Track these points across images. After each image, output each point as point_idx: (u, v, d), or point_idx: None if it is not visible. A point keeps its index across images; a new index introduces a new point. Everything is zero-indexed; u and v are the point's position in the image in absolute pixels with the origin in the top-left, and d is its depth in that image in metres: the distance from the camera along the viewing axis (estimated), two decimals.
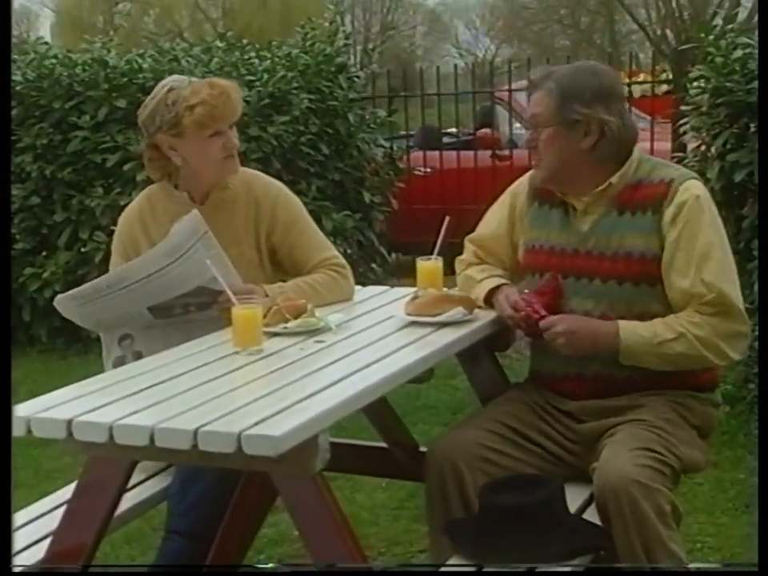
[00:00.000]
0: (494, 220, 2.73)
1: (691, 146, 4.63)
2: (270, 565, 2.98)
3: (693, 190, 2.44)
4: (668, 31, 24.32)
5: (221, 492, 2.52)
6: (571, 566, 2.15)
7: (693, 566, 2.45)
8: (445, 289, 2.70)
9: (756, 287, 3.96)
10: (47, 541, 2.25)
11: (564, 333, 2.40)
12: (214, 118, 2.62)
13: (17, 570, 2.25)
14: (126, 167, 5.78)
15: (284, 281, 2.73)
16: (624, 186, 2.49)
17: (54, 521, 2.29)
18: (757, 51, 4.13)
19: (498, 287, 2.60)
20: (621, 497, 2.17)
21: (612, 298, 2.47)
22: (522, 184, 2.70)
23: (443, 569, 2.20)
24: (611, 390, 2.49)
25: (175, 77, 2.78)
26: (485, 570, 2.15)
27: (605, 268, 2.47)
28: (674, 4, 24.11)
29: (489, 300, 2.60)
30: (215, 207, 2.73)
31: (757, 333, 3.65)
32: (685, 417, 2.46)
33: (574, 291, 2.51)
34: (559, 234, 2.57)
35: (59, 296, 2.58)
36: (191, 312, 2.59)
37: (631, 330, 2.39)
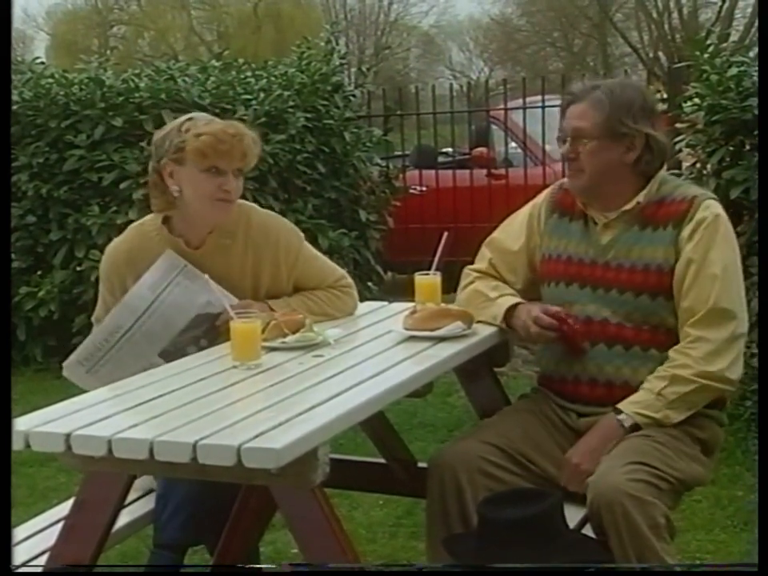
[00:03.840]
0: (513, 227, 2.73)
1: (687, 163, 4.65)
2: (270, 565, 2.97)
3: (713, 208, 2.50)
4: (660, 53, 24.50)
5: (199, 498, 2.53)
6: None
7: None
8: (443, 304, 2.69)
9: (753, 304, 3.97)
10: (44, 557, 2.24)
11: (578, 464, 2.41)
12: (217, 151, 2.54)
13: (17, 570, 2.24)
14: (122, 186, 5.78)
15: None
16: (647, 203, 2.53)
17: (50, 537, 2.27)
18: (752, 69, 4.17)
19: (515, 306, 2.58)
20: (614, 509, 2.17)
21: (628, 309, 2.50)
22: (543, 196, 2.72)
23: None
24: (624, 397, 2.48)
25: (203, 114, 2.75)
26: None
27: (622, 279, 2.50)
28: (666, 27, 24.30)
29: (507, 319, 2.57)
30: (211, 254, 2.64)
31: (755, 349, 3.66)
32: (690, 432, 2.46)
33: (590, 300, 2.54)
34: (578, 244, 2.59)
35: (66, 363, 2.53)
36: (204, 347, 2.54)
37: (627, 407, 2.42)
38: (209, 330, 2.55)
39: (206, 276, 2.52)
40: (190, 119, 2.62)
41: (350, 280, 2.81)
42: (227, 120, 2.69)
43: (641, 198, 2.53)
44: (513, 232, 2.72)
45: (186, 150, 2.55)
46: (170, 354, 2.51)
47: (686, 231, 2.47)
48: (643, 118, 2.50)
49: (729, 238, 2.51)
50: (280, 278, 2.69)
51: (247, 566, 2.58)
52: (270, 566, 2.82)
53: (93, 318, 2.75)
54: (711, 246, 2.46)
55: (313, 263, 2.76)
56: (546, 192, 2.74)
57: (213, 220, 2.63)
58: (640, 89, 2.58)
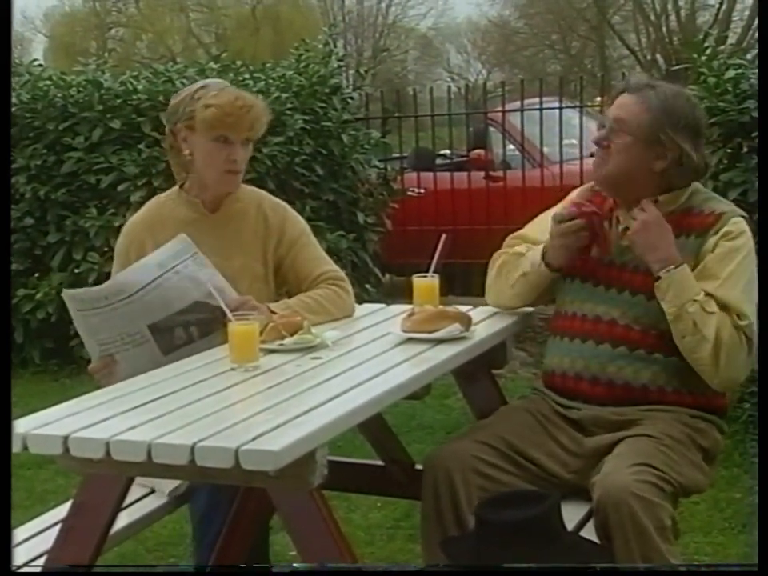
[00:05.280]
0: (541, 223, 2.72)
1: None
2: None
3: (741, 225, 2.47)
4: (658, 56, 24.55)
5: None
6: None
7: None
8: (441, 306, 2.69)
9: None
10: (42, 560, 2.24)
11: (645, 222, 2.42)
12: (224, 123, 2.67)
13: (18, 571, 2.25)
14: (120, 188, 5.79)
15: (289, 295, 2.76)
16: (672, 211, 2.51)
17: (49, 540, 2.26)
18: (749, 72, 4.17)
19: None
20: (621, 509, 2.16)
21: (638, 312, 2.49)
22: (573, 195, 2.71)
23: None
24: (624, 398, 2.49)
25: (217, 80, 2.91)
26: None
27: (636, 282, 2.50)
28: (664, 29, 24.35)
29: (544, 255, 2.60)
30: (226, 217, 2.78)
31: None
32: (693, 438, 2.46)
33: (602, 300, 2.54)
34: None
35: (66, 291, 2.59)
36: (194, 337, 2.57)
37: (689, 274, 2.40)
38: (202, 320, 2.56)
39: (213, 268, 2.56)
40: (203, 87, 2.75)
41: (344, 276, 2.84)
42: (237, 91, 2.76)
43: (662, 198, 2.51)
44: (541, 226, 2.71)
45: (195, 118, 2.68)
46: (158, 329, 2.54)
47: (710, 243, 2.45)
48: (685, 133, 2.46)
49: (752, 257, 2.46)
50: (283, 249, 2.78)
51: (246, 566, 2.59)
52: (265, 565, 2.81)
53: None
54: (736, 255, 2.42)
55: (313, 249, 2.83)
56: (575, 192, 2.73)
57: (222, 190, 2.77)
58: (695, 104, 2.54)
